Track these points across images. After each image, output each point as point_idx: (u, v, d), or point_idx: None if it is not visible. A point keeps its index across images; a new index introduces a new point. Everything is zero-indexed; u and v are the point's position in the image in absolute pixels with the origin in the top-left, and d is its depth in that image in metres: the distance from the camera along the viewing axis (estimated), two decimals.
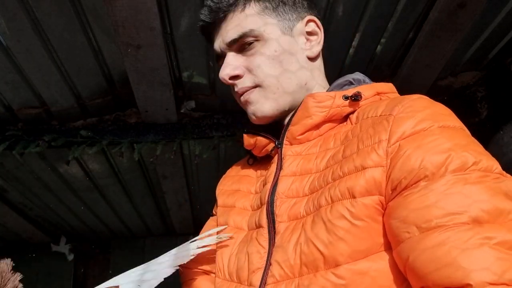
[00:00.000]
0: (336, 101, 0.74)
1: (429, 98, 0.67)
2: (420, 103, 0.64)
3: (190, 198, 2.88)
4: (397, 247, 0.57)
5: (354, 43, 1.70)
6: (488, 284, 0.46)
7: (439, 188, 0.54)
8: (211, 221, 0.93)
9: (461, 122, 0.63)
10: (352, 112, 0.75)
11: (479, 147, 0.59)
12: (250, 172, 0.90)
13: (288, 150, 0.77)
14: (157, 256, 0.85)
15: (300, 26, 0.82)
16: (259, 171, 0.87)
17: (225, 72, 0.80)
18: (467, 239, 0.50)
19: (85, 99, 1.86)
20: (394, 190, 0.58)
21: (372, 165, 0.61)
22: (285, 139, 0.78)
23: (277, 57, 0.78)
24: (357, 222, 0.59)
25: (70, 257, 3.57)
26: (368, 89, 0.77)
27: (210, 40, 0.87)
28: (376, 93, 0.78)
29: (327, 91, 0.82)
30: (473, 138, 0.61)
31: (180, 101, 1.94)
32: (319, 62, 0.86)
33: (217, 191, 0.93)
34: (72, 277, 3.54)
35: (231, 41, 0.79)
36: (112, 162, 2.37)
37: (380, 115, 0.67)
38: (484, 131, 2.05)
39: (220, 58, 0.85)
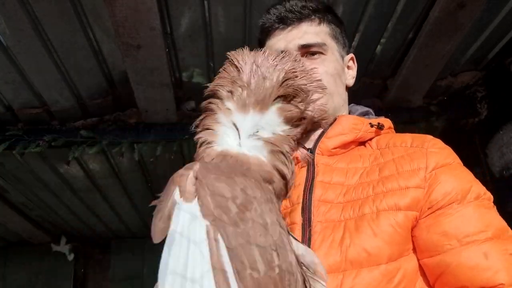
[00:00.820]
0: (365, 126, 0.87)
1: (440, 140, 0.85)
2: (439, 143, 0.83)
3: None
4: (437, 256, 0.72)
5: (354, 43, 1.70)
6: None
7: (469, 211, 0.73)
8: None
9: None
10: (370, 138, 0.88)
11: (475, 178, 0.79)
12: None
13: (320, 159, 0.86)
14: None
15: (346, 58, 0.97)
16: None
17: None
18: (497, 251, 0.69)
19: (85, 99, 1.86)
20: (430, 209, 0.74)
21: (414, 186, 0.75)
22: (317, 148, 0.86)
23: (334, 72, 0.90)
24: (399, 229, 0.73)
25: (70, 257, 3.57)
26: (386, 122, 0.91)
27: (268, 36, 0.93)
28: (389, 127, 0.92)
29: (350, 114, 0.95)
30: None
31: (180, 101, 1.95)
32: (347, 94, 0.99)
33: None
34: (72, 277, 3.54)
35: (305, 44, 0.88)
36: (112, 162, 2.37)
37: (411, 146, 0.82)
38: (484, 131, 2.05)
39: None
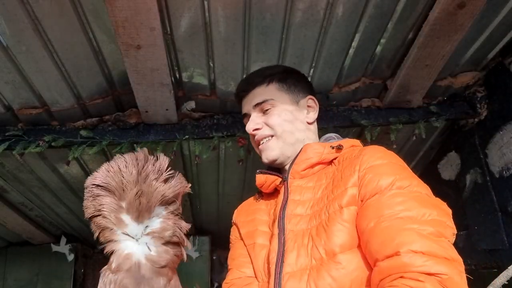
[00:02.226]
0: (326, 149, 1.07)
1: (382, 147, 1.01)
2: (375, 149, 0.99)
3: (190, 198, 2.89)
4: (363, 237, 0.86)
5: (354, 44, 1.70)
6: (410, 251, 0.75)
7: (387, 199, 0.86)
8: (239, 248, 1.16)
9: (400, 160, 0.97)
10: (336, 158, 1.07)
11: (410, 174, 0.92)
12: (260, 205, 1.18)
13: (293, 182, 1.07)
14: None
15: (303, 101, 1.20)
16: (268, 204, 1.16)
17: (250, 126, 1.17)
18: (403, 227, 0.80)
19: (85, 99, 1.86)
20: (362, 201, 0.90)
21: (351, 185, 0.93)
22: (290, 174, 1.08)
23: (288, 119, 1.14)
24: (346, 224, 0.89)
25: (70, 257, 3.57)
26: (346, 142, 1.10)
27: (240, 103, 1.25)
28: (351, 145, 1.10)
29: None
30: (406, 168, 0.95)
31: (180, 102, 1.95)
32: (314, 126, 1.23)
33: (238, 223, 1.21)
34: (72, 277, 3.54)
35: (256, 103, 1.17)
36: None
37: (354, 156, 1.00)
38: (484, 131, 2.05)
39: (246, 116, 1.22)
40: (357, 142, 1.14)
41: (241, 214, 1.23)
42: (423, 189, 0.88)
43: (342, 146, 1.07)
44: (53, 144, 1.88)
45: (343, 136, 1.24)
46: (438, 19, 1.51)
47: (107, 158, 2.30)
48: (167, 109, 1.85)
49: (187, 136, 1.95)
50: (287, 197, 1.04)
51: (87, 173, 2.43)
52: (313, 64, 1.79)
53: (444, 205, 0.87)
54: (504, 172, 1.91)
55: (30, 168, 2.29)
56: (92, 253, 3.90)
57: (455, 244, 0.82)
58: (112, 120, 1.96)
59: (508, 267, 1.36)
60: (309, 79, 1.88)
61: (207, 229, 3.72)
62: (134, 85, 1.67)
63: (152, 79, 1.64)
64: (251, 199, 1.26)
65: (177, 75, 1.81)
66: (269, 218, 1.11)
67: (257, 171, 1.16)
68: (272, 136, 1.15)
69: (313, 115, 1.21)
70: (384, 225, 0.82)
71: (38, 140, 1.88)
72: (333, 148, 1.06)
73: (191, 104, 1.96)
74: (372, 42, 1.71)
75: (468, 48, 1.82)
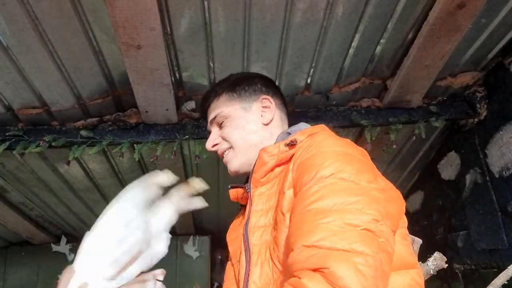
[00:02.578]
0: (281, 148, 1.00)
1: (324, 133, 0.98)
2: (311, 141, 0.92)
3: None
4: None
5: (354, 44, 1.70)
6: (302, 246, 0.69)
7: (304, 192, 0.80)
8: (227, 269, 1.16)
9: (337, 145, 0.88)
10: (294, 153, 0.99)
11: (339, 160, 0.81)
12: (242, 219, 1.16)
13: (255, 191, 1.02)
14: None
15: (257, 103, 1.17)
16: None
17: (208, 143, 1.17)
18: (306, 219, 0.74)
19: (85, 99, 1.86)
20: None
21: (288, 187, 0.87)
22: (251, 184, 1.04)
23: (240, 127, 1.12)
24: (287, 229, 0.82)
25: (71, 257, 3.57)
26: (302, 134, 1.02)
27: (204, 117, 1.24)
28: (309, 135, 1.01)
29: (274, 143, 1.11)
30: (340, 154, 0.84)
31: (180, 102, 1.95)
32: (273, 124, 1.16)
33: (228, 242, 1.19)
34: None
35: (211, 120, 1.17)
36: (113, 163, 2.37)
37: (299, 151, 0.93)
38: (484, 131, 2.05)
39: (209, 132, 1.22)
40: (319, 128, 1.05)
41: (230, 233, 1.21)
42: (352, 175, 0.78)
43: (295, 140, 0.98)
44: (53, 144, 1.88)
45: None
46: (438, 19, 1.51)
47: (107, 158, 2.30)
48: (167, 109, 1.85)
49: (187, 136, 1.96)
50: (250, 208, 0.99)
51: (87, 173, 2.43)
52: (313, 64, 1.80)
53: (375, 191, 0.77)
54: (504, 172, 1.91)
55: (31, 168, 2.30)
56: None
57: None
58: (112, 120, 1.96)
59: (508, 267, 1.36)
60: (309, 79, 1.88)
61: (207, 229, 3.72)
62: (134, 85, 1.67)
63: (152, 79, 1.64)
64: (238, 215, 1.23)
65: (177, 75, 1.81)
66: None
67: (229, 186, 1.14)
68: (230, 148, 1.13)
69: (269, 115, 1.15)
70: (293, 220, 0.77)
71: (38, 140, 1.88)
72: (287, 145, 0.99)
73: (191, 104, 1.96)
74: (372, 42, 1.72)
75: (468, 48, 1.83)
